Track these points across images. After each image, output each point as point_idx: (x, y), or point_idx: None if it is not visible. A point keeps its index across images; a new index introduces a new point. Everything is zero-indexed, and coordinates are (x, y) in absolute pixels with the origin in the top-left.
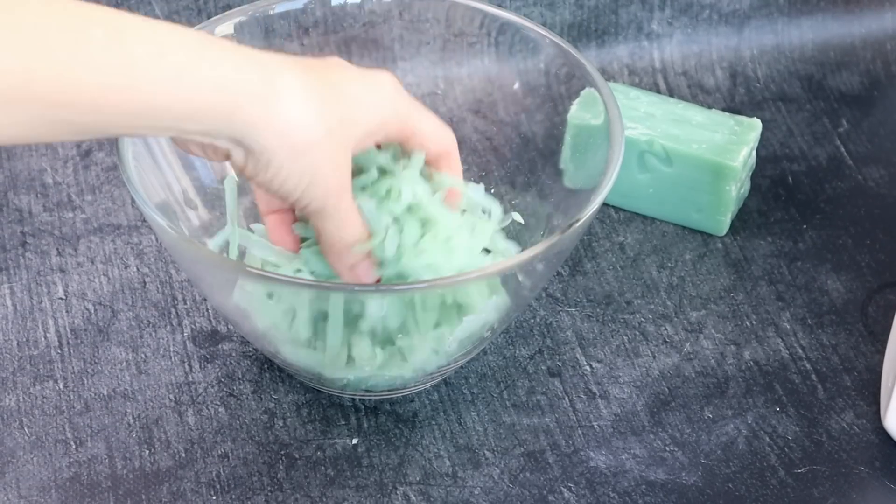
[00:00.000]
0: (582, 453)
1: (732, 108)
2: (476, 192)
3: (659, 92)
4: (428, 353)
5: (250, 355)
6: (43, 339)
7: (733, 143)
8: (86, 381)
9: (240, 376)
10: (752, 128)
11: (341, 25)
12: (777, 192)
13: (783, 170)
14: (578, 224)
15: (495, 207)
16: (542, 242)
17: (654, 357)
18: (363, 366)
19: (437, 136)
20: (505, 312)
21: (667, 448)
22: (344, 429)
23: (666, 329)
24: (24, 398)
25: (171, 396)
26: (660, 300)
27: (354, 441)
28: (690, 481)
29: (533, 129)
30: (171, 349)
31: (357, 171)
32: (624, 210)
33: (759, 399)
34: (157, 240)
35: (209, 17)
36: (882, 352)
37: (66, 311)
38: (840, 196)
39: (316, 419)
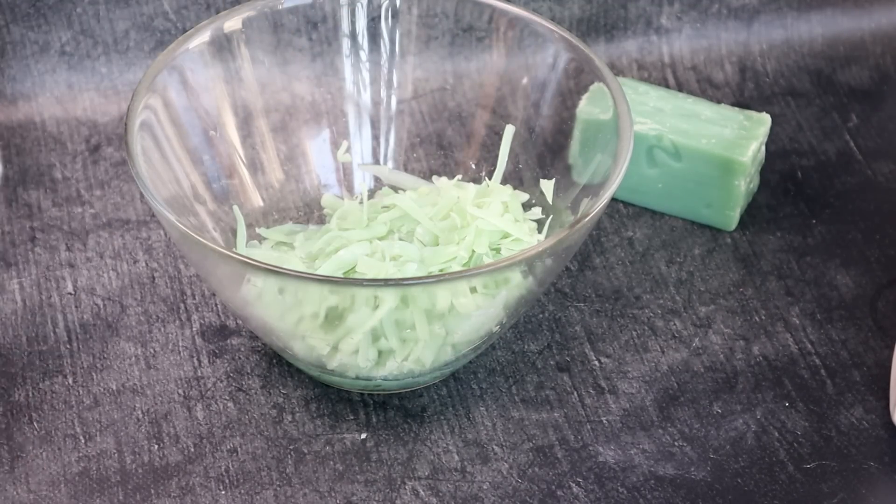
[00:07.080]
0: (590, 448)
1: (741, 103)
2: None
3: (668, 87)
4: (434, 348)
5: (259, 350)
6: (52, 334)
7: (742, 137)
8: (95, 376)
9: (248, 371)
10: (762, 123)
11: (350, 20)
12: (786, 186)
13: (792, 165)
14: (587, 219)
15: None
16: (550, 237)
17: (663, 352)
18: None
19: None
20: (513, 307)
21: (675, 443)
22: (353, 423)
23: (675, 324)
24: (33, 393)
25: (180, 391)
26: (668, 295)
27: (363, 436)
28: (699, 476)
29: (542, 125)
30: (180, 344)
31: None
32: (633, 205)
33: (767, 394)
34: (165, 235)
35: (218, 12)
36: (891, 347)
37: (76, 307)
38: (849, 191)
39: (325, 414)
